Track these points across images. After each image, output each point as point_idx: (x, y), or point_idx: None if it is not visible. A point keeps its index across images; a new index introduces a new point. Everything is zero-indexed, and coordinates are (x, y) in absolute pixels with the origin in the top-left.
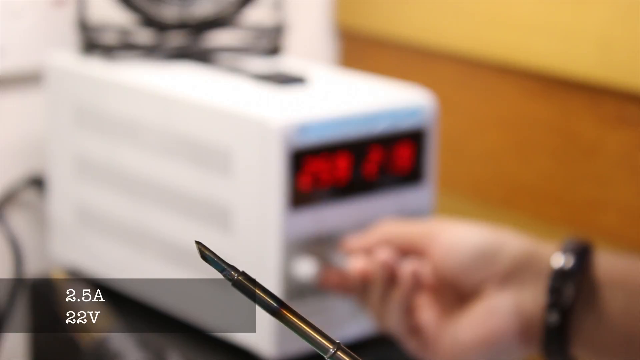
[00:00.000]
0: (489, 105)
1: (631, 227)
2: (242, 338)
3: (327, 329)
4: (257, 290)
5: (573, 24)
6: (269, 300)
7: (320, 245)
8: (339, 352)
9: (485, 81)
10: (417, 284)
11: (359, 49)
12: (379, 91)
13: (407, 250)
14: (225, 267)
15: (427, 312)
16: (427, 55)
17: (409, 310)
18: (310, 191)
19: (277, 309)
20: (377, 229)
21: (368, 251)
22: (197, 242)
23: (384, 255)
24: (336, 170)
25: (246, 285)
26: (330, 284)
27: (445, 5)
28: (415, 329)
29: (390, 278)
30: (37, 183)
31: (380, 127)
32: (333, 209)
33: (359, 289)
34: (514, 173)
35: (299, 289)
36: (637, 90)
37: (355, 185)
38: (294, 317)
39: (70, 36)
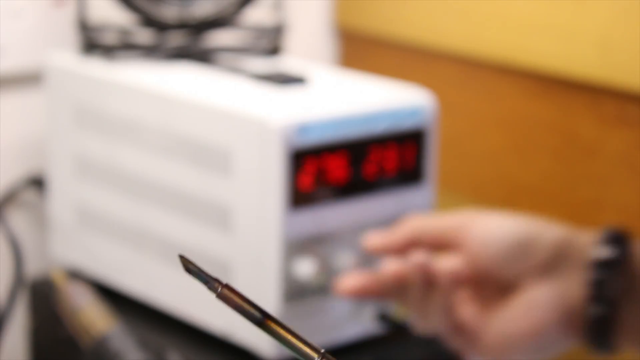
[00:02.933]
0: (489, 105)
1: (631, 227)
2: (242, 338)
3: (327, 329)
4: (241, 302)
5: (573, 24)
6: (253, 311)
7: (320, 245)
8: None
9: (485, 81)
10: (456, 282)
11: (359, 49)
12: (379, 91)
13: (438, 245)
14: (209, 279)
15: (467, 307)
16: (427, 55)
17: (450, 309)
18: (310, 191)
19: (262, 319)
20: (404, 224)
21: (398, 250)
22: (181, 256)
23: (419, 257)
24: (336, 170)
25: (230, 297)
26: (363, 291)
27: (445, 5)
28: (458, 326)
29: (428, 280)
30: (37, 183)
31: (380, 127)
32: (333, 209)
33: (394, 292)
34: (514, 173)
35: (299, 289)
36: (637, 90)
37: (355, 185)
38: (278, 327)
39: (70, 36)
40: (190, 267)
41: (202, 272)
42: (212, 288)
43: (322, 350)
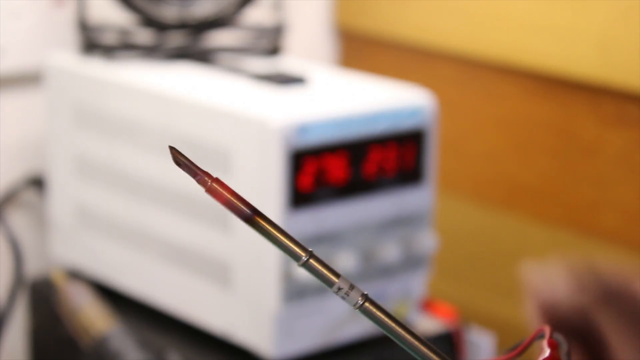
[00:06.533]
0: (489, 105)
1: (631, 227)
2: (242, 338)
3: (327, 329)
4: (231, 197)
5: (573, 24)
6: (242, 207)
7: (321, 245)
8: (311, 260)
9: (485, 81)
10: None
11: (359, 49)
12: (379, 91)
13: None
14: (199, 172)
15: None
16: (427, 55)
17: None
18: (310, 191)
19: (251, 216)
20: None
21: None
22: (171, 147)
23: None
24: (336, 170)
25: (219, 192)
26: None
27: (445, 5)
28: None
29: None
30: (37, 183)
31: (380, 127)
32: (333, 209)
33: None
34: (514, 173)
35: (299, 289)
36: (637, 90)
37: (355, 185)
38: (267, 224)
39: (70, 36)
40: (179, 160)
41: (192, 165)
42: (201, 182)
43: (310, 250)
